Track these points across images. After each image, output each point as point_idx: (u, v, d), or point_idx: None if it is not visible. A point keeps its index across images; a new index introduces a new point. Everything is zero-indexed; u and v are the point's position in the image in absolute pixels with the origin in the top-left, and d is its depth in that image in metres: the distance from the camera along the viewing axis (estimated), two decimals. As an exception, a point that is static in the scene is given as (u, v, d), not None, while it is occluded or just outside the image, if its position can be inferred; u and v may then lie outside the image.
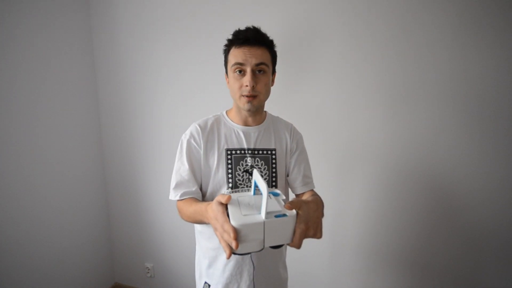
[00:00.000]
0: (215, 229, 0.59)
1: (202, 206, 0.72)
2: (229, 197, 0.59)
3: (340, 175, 1.45)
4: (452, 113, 1.25)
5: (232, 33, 0.87)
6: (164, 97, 1.69)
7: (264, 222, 0.54)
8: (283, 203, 0.61)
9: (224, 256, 0.87)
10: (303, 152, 1.00)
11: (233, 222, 0.55)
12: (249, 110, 0.86)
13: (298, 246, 0.56)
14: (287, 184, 1.00)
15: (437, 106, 1.26)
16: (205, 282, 0.94)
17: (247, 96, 0.83)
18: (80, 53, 1.74)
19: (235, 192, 0.87)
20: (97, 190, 1.89)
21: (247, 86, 0.81)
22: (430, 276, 1.37)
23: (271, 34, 0.89)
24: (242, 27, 0.88)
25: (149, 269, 1.90)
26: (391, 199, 1.39)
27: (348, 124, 1.39)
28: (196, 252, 1.00)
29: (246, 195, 0.65)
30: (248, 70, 0.81)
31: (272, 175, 0.91)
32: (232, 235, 0.52)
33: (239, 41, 0.83)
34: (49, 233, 1.59)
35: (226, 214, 0.58)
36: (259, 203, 0.60)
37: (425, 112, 1.28)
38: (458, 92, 1.23)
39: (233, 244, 0.52)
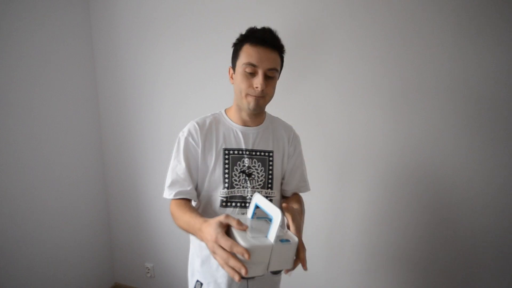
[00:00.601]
0: (214, 253, 0.55)
1: (196, 221, 0.68)
2: (239, 222, 0.57)
3: (340, 175, 1.45)
4: (452, 114, 1.25)
5: (247, 29, 0.85)
6: (165, 96, 1.69)
7: (272, 246, 0.54)
8: (281, 228, 0.60)
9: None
10: (300, 156, 1.00)
11: (243, 243, 0.52)
12: (253, 110, 0.85)
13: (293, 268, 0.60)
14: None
15: (437, 107, 1.26)
16: (197, 281, 0.94)
17: (254, 96, 0.82)
18: (80, 51, 1.74)
19: (231, 191, 0.87)
20: (97, 190, 1.89)
21: (257, 87, 0.80)
22: (429, 277, 1.37)
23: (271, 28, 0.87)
24: (240, 25, 0.87)
25: (149, 269, 1.90)
26: (391, 200, 1.38)
27: (348, 124, 1.39)
28: (190, 250, 1.00)
29: (243, 218, 0.64)
30: (260, 72, 0.80)
31: (268, 176, 0.91)
32: (246, 256, 0.50)
33: (255, 39, 0.81)
34: (49, 234, 1.59)
35: (228, 236, 0.55)
36: (260, 227, 0.60)
37: (425, 113, 1.28)
38: (459, 93, 1.23)
39: (243, 271, 0.50)
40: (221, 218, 0.58)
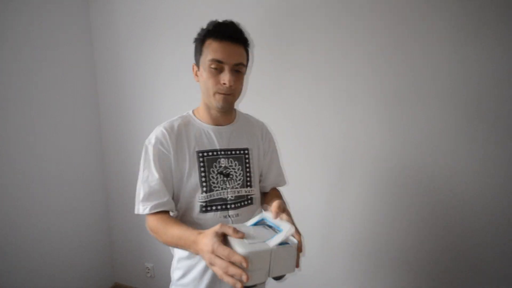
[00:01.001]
0: (211, 264, 0.54)
1: (189, 234, 0.64)
2: (235, 229, 0.55)
3: (339, 176, 1.44)
4: (452, 113, 1.24)
5: (209, 23, 0.82)
6: (165, 96, 1.69)
7: (271, 250, 0.53)
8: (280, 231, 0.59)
9: (201, 265, 0.83)
10: (275, 151, 1.00)
11: (240, 250, 0.51)
12: (222, 108, 0.81)
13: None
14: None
15: (437, 106, 1.25)
16: None
17: (223, 94, 0.79)
18: (80, 51, 1.74)
19: (210, 194, 0.83)
20: (97, 190, 1.89)
21: (224, 84, 0.77)
22: (429, 278, 1.36)
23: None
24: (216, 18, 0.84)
25: (149, 269, 1.90)
26: (391, 201, 1.38)
27: (348, 125, 1.39)
28: (173, 261, 0.96)
29: (241, 225, 0.63)
30: (228, 68, 0.77)
31: (246, 175, 0.88)
32: (245, 264, 0.49)
33: (219, 34, 0.77)
34: (49, 234, 1.59)
35: (225, 245, 0.54)
36: (259, 232, 0.59)
37: (425, 113, 1.27)
38: (458, 93, 1.22)
39: (244, 277, 0.49)
40: (216, 228, 0.56)
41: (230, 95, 0.80)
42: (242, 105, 1.52)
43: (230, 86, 0.77)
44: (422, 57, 1.24)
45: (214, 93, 0.79)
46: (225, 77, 0.77)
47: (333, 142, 1.42)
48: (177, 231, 0.69)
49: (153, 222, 0.76)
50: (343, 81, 1.36)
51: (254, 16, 1.43)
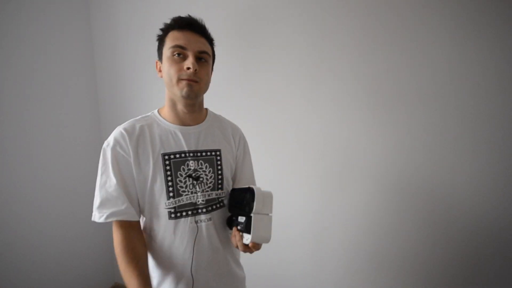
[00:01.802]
0: None
1: None
2: None
3: (336, 178, 1.44)
4: (452, 115, 1.23)
5: (171, 19, 0.80)
6: (165, 95, 1.69)
7: (271, 216, 0.76)
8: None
9: (171, 276, 0.78)
10: (248, 154, 0.98)
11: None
12: (187, 96, 0.75)
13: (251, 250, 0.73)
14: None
15: (436, 107, 1.24)
16: None
17: (187, 80, 0.73)
18: (79, 50, 1.74)
19: (178, 199, 0.79)
20: (97, 190, 1.89)
21: (189, 69, 0.72)
22: (429, 283, 1.35)
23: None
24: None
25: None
26: (388, 204, 1.37)
27: (347, 125, 1.38)
28: None
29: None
30: (191, 54, 0.74)
31: (218, 177, 0.84)
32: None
33: (181, 24, 0.76)
34: (50, 234, 1.60)
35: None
36: None
37: (424, 114, 1.26)
38: (458, 94, 1.21)
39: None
40: None
41: (196, 83, 0.75)
42: (242, 105, 1.52)
43: (195, 71, 0.73)
44: (422, 57, 1.23)
45: (178, 80, 0.74)
46: (189, 62, 0.73)
47: (333, 142, 1.42)
48: (135, 282, 0.69)
49: (118, 238, 0.73)
50: (342, 81, 1.36)
51: (253, 14, 1.43)
